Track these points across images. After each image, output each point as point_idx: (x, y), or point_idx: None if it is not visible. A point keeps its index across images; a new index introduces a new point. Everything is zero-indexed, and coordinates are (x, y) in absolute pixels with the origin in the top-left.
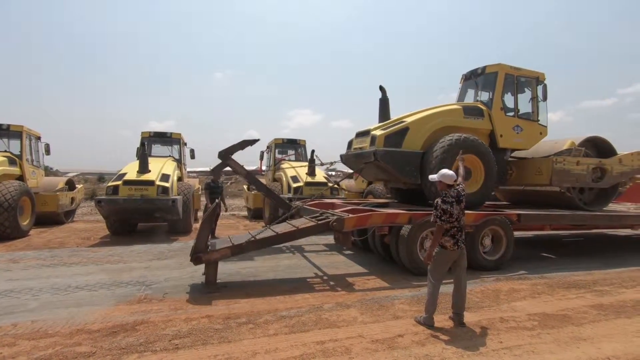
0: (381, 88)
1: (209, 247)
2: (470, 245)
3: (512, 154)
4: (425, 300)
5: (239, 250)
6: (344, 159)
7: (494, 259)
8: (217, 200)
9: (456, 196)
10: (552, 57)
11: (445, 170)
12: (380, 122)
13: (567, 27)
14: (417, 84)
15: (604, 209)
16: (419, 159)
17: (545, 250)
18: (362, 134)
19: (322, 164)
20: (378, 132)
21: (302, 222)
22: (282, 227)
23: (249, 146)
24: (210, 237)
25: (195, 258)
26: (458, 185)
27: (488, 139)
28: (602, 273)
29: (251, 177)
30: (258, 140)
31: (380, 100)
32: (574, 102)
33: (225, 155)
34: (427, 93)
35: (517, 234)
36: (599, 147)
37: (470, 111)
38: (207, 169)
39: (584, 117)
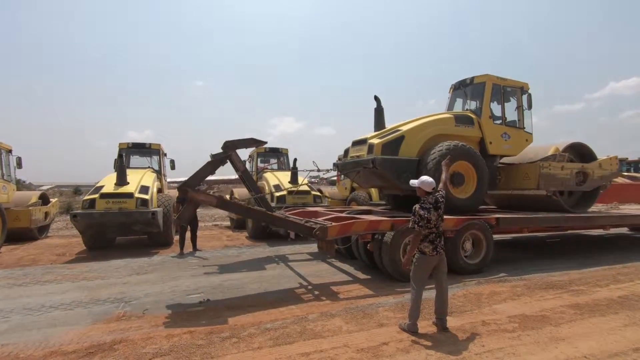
0: (376, 98)
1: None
2: (452, 249)
3: (501, 160)
4: (409, 306)
5: (224, 205)
6: (341, 166)
7: (475, 262)
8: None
9: (434, 203)
10: (521, 64)
11: (425, 177)
12: (375, 130)
13: (534, 34)
14: (395, 88)
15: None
16: (415, 166)
17: (524, 251)
18: (358, 143)
19: (318, 170)
20: (375, 141)
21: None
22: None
23: (254, 147)
24: (193, 249)
25: (183, 190)
26: (437, 192)
27: (478, 146)
28: (578, 273)
29: (247, 175)
30: (266, 142)
31: (376, 109)
32: (546, 107)
33: (231, 147)
34: (407, 99)
35: (496, 237)
36: (580, 153)
37: (461, 119)
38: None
39: (557, 122)
